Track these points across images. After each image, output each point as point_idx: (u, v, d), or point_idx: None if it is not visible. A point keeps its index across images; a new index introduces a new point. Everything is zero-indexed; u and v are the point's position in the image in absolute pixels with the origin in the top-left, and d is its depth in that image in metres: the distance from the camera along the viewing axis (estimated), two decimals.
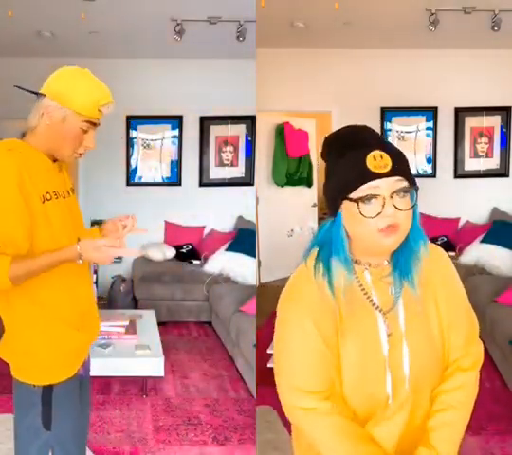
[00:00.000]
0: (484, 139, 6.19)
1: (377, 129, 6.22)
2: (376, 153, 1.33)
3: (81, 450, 2.02)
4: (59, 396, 1.85)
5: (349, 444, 1.38)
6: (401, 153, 1.37)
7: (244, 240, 5.59)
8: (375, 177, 1.31)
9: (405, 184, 1.34)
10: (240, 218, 6.16)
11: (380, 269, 1.45)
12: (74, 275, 1.89)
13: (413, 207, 1.37)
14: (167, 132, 6.34)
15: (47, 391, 1.84)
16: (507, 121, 6.12)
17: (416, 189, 1.37)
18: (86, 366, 2.00)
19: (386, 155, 1.32)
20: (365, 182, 1.31)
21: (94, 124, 1.93)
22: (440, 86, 6.10)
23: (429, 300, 1.49)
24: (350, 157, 1.36)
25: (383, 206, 1.31)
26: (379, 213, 1.31)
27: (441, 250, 1.64)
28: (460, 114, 6.16)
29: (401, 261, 1.46)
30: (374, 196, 1.31)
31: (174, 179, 6.36)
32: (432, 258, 1.55)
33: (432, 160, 6.24)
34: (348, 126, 1.56)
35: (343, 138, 1.50)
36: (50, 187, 1.89)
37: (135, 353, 3.72)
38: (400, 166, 1.34)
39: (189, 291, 5.24)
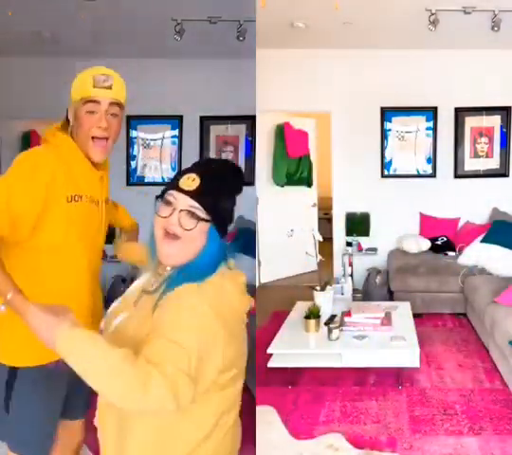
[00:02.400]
0: (484, 139, 6.18)
1: (377, 129, 6.23)
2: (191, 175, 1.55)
3: (39, 444, 1.98)
4: (22, 382, 1.87)
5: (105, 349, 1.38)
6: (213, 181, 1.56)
7: (244, 240, 5.59)
8: (178, 191, 1.53)
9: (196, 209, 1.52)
10: (240, 218, 6.15)
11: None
12: (65, 267, 1.90)
13: (208, 240, 1.54)
14: (167, 132, 6.34)
15: (12, 373, 1.87)
16: (507, 121, 6.11)
17: (216, 224, 1.55)
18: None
19: (197, 179, 1.54)
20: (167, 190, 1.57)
21: (96, 102, 1.86)
22: (440, 86, 6.09)
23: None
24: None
25: (171, 214, 1.53)
26: (166, 217, 1.53)
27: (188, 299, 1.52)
28: (460, 114, 6.16)
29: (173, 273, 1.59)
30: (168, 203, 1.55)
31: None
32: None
33: (432, 160, 6.24)
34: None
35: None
36: (83, 190, 1.91)
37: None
38: (207, 189, 1.53)
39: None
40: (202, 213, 1.53)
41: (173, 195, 1.55)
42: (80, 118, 1.88)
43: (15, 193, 1.77)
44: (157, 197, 1.59)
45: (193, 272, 1.53)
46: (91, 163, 1.96)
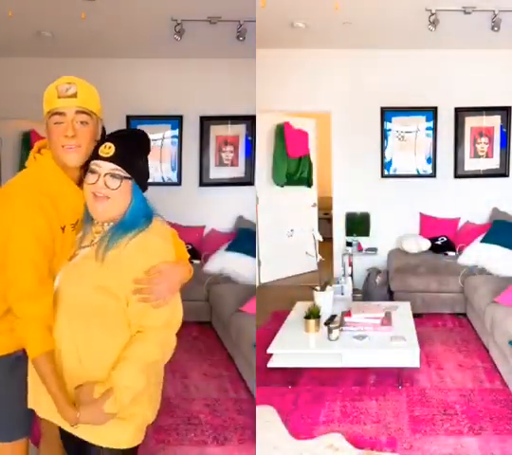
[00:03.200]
0: (484, 139, 6.18)
1: (377, 129, 6.23)
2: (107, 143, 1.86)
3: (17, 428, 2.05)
4: None
5: None
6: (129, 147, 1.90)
7: (244, 240, 5.59)
8: (99, 159, 1.84)
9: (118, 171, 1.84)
10: (240, 218, 6.16)
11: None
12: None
13: (133, 195, 1.88)
14: (167, 132, 6.34)
15: None
16: (507, 121, 6.11)
17: (137, 181, 1.89)
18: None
19: (113, 146, 1.85)
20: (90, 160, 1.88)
21: (61, 114, 1.85)
22: (440, 86, 6.09)
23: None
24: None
25: (97, 179, 1.83)
26: (93, 184, 1.83)
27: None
28: (460, 114, 6.16)
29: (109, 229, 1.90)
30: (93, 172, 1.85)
31: (175, 179, 6.36)
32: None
33: (432, 160, 6.24)
34: None
35: None
36: (69, 219, 1.96)
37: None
38: (122, 153, 1.85)
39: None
40: (123, 173, 1.85)
41: (96, 164, 1.85)
42: (49, 131, 1.88)
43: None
44: (82, 168, 1.90)
45: (128, 224, 1.85)
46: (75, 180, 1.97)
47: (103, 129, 2.01)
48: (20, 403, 2.00)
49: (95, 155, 1.87)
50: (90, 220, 1.94)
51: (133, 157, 1.90)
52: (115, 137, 1.94)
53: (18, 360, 1.97)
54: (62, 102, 1.85)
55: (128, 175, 1.86)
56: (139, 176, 1.91)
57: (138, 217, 1.88)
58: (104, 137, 1.96)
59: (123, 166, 1.85)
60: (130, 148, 1.91)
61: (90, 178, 1.85)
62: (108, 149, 1.85)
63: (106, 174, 1.84)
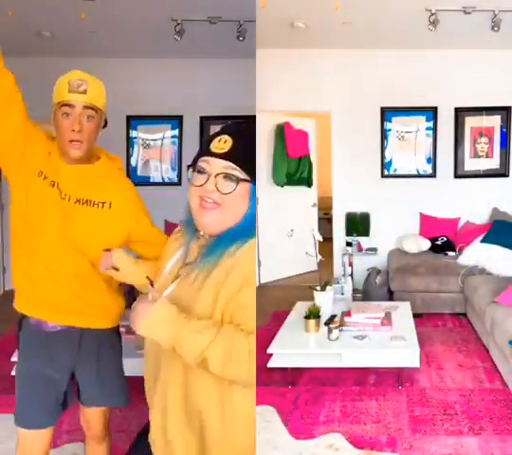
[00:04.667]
0: (484, 139, 6.18)
1: (377, 129, 6.23)
2: (223, 137, 1.51)
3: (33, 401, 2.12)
4: (23, 332, 2.13)
5: None
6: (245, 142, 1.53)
7: None
8: (210, 155, 1.49)
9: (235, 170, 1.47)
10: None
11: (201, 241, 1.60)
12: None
13: (251, 197, 1.52)
14: (167, 132, 6.34)
15: (19, 319, 2.13)
16: (507, 121, 6.11)
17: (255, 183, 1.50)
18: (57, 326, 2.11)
19: (230, 139, 1.49)
20: (199, 157, 1.52)
21: (70, 106, 1.98)
22: (440, 86, 6.09)
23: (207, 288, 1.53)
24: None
25: (207, 180, 1.49)
26: (201, 186, 1.49)
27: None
28: (460, 114, 6.16)
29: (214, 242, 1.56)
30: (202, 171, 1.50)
31: (175, 179, 6.36)
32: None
33: (432, 160, 6.24)
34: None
35: None
36: (50, 175, 2.02)
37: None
38: (241, 148, 1.50)
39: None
40: (240, 173, 1.49)
41: (207, 161, 1.50)
42: (57, 122, 2.02)
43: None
44: (189, 166, 1.54)
45: (237, 234, 1.51)
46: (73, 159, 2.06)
47: (106, 121, 2.13)
48: (50, 393, 2.10)
49: (204, 151, 1.52)
50: (193, 231, 1.62)
51: (252, 155, 1.56)
52: (232, 130, 1.56)
53: (58, 335, 2.09)
54: (72, 97, 1.97)
55: (246, 177, 1.51)
56: (254, 178, 1.55)
57: (252, 227, 1.55)
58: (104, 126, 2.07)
59: (241, 165, 1.50)
60: (249, 143, 1.56)
61: (198, 179, 1.51)
62: (223, 143, 1.50)
63: (218, 175, 1.49)
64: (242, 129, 1.60)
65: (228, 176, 1.49)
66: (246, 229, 1.53)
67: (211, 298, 1.50)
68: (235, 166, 1.49)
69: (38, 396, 2.10)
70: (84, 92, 1.98)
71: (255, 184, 1.54)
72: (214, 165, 1.49)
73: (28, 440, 2.12)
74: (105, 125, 2.11)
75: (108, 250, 1.96)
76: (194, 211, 1.53)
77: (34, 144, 2.05)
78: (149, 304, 1.46)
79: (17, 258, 2.08)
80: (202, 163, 1.51)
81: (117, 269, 1.96)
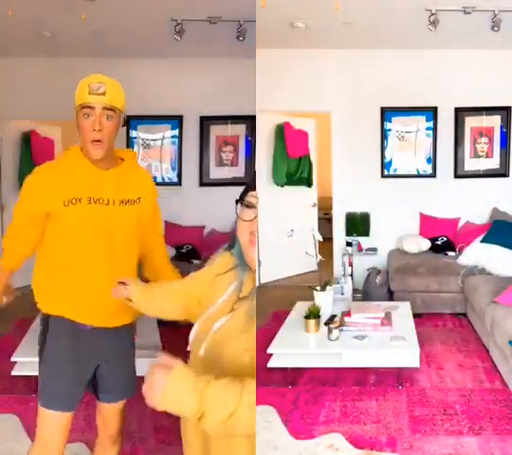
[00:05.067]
0: (484, 139, 6.18)
1: (377, 129, 6.23)
2: None
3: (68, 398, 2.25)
4: (51, 328, 2.23)
5: None
6: None
7: None
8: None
9: None
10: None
11: None
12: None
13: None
14: (167, 132, 6.34)
15: (45, 319, 2.25)
16: (507, 121, 6.11)
17: None
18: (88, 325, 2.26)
19: None
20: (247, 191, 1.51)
21: (90, 107, 2.09)
22: (440, 86, 6.09)
23: None
24: None
25: (256, 216, 1.45)
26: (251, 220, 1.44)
27: None
28: (460, 114, 6.16)
29: None
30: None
31: (175, 179, 6.36)
32: None
33: (432, 160, 6.24)
34: None
35: None
36: (83, 192, 2.15)
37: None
38: None
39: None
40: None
41: (256, 196, 1.46)
42: (80, 123, 2.13)
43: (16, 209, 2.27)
44: (238, 201, 1.49)
45: None
46: (99, 166, 2.20)
47: (125, 120, 2.23)
48: (75, 377, 2.25)
49: (253, 186, 1.49)
50: (244, 265, 1.59)
51: None
52: None
53: (88, 333, 2.24)
54: (92, 98, 2.09)
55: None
56: None
57: None
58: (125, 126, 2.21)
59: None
60: None
61: (247, 214, 1.45)
62: None
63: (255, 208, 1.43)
64: None
65: None
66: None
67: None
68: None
69: (65, 380, 2.24)
70: (103, 94, 2.09)
71: None
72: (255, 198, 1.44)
73: (51, 422, 2.23)
74: (125, 124, 2.24)
75: (122, 283, 2.02)
76: (244, 246, 1.50)
77: (48, 201, 2.17)
78: (164, 374, 1.32)
79: (53, 268, 2.24)
80: (251, 198, 1.47)
81: (130, 300, 2.00)
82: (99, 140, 2.11)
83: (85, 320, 2.24)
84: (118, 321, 2.30)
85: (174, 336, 5.05)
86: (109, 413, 2.42)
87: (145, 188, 2.31)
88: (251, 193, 1.47)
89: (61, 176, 2.16)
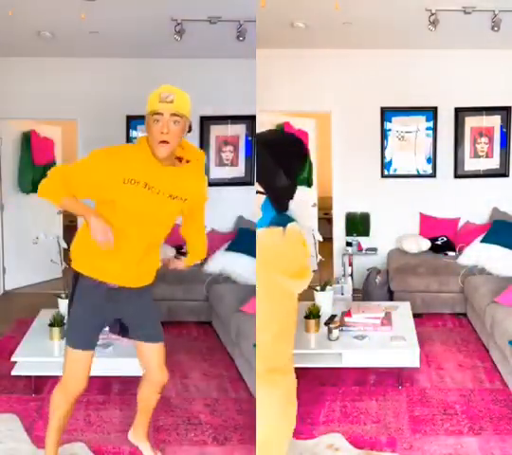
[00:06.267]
0: (484, 139, 6.18)
1: (377, 129, 6.22)
2: None
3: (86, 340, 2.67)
4: (81, 285, 2.60)
5: None
6: None
7: (244, 240, 5.59)
8: None
9: None
10: (240, 218, 6.15)
11: None
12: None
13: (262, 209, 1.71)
14: None
15: (77, 276, 2.61)
16: (507, 121, 6.11)
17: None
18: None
19: None
20: None
21: (160, 114, 2.41)
22: (440, 86, 6.09)
23: None
24: None
25: None
26: None
27: None
28: (460, 114, 6.16)
29: None
30: None
31: None
32: None
33: (432, 160, 6.24)
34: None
35: None
36: (142, 177, 2.45)
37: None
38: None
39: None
40: (257, 187, 1.68)
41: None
42: (149, 126, 2.46)
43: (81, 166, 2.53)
44: (258, 192, 1.74)
45: None
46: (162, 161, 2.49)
47: (190, 125, 2.52)
48: (97, 325, 2.69)
49: None
50: None
51: (271, 172, 1.70)
52: (258, 141, 1.76)
53: (110, 291, 2.60)
54: (161, 106, 2.41)
55: (262, 190, 1.72)
56: (274, 195, 1.72)
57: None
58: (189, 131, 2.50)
59: (258, 180, 1.72)
60: (272, 159, 1.71)
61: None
62: None
63: None
64: (267, 142, 1.79)
65: None
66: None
67: None
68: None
69: (89, 326, 2.66)
70: (172, 102, 2.40)
71: (269, 198, 1.71)
72: None
73: (77, 359, 2.64)
74: (190, 130, 2.54)
75: (178, 258, 2.44)
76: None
77: (113, 173, 2.44)
78: None
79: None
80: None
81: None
82: (165, 142, 2.41)
83: (114, 281, 2.60)
84: (142, 283, 2.68)
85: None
86: (147, 352, 2.78)
87: (195, 191, 2.65)
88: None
89: (129, 158, 2.46)
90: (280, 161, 1.65)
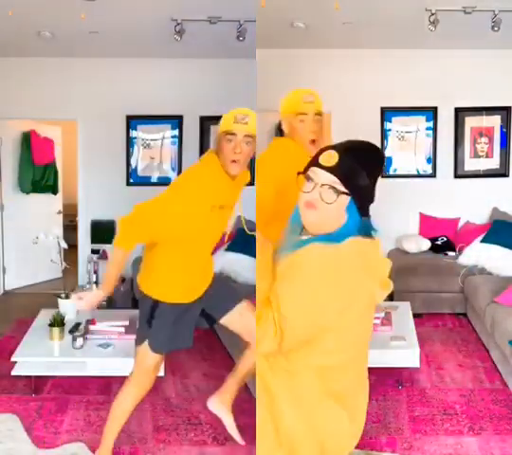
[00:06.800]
0: (484, 139, 6.18)
1: (377, 129, 6.22)
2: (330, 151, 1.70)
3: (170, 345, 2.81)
4: (160, 311, 2.68)
5: None
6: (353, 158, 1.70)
7: (243, 240, 5.58)
8: (318, 167, 1.70)
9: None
10: (239, 218, 6.14)
11: None
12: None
13: (348, 214, 1.70)
14: (167, 132, 6.34)
15: (155, 304, 2.69)
16: (507, 121, 6.11)
17: (355, 199, 1.70)
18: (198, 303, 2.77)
19: (336, 155, 1.68)
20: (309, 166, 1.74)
21: (233, 134, 2.50)
22: (440, 86, 6.09)
23: None
24: None
25: (313, 188, 1.70)
26: (308, 192, 1.71)
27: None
28: (460, 114, 6.16)
29: None
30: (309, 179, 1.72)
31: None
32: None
33: (432, 160, 6.24)
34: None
35: None
36: (222, 199, 2.56)
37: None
38: (345, 165, 1.68)
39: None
40: (341, 187, 1.67)
41: (314, 171, 1.70)
42: (222, 145, 2.52)
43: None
44: (299, 173, 1.74)
45: (325, 239, 1.70)
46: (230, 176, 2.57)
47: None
48: (182, 328, 2.79)
49: (313, 162, 1.73)
50: (297, 230, 1.81)
51: (358, 172, 1.69)
52: (341, 147, 1.74)
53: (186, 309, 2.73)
54: (236, 127, 2.51)
55: (346, 191, 1.68)
56: (359, 195, 1.70)
57: (343, 238, 1.71)
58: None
59: (343, 180, 1.68)
60: (355, 161, 1.70)
61: (306, 186, 1.72)
62: (330, 158, 1.70)
63: (323, 185, 1.68)
64: (352, 147, 1.75)
65: (331, 188, 1.67)
66: (336, 238, 1.70)
67: None
68: (337, 180, 1.67)
69: (173, 333, 2.75)
70: (246, 124, 2.51)
71: (356, 202, 1.70)
72: (320, 176, 1.69)
73: (156, 361, 2.80)
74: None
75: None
76: (301, 211, 1.74)
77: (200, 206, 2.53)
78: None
79: (171, 261, 2.65)
80: (310, 173, 1.72)
81: None
82: (237, 161, 2.51)
83: (193, 298, 2.73)
84: (204, 288, 2.80)
85: None
86: (235, 321, 2.89)
87: (237, 197, 2.72)
88: (312, 169, 1.71)
89: (211, 184, 2.51)
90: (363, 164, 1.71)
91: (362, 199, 1.71)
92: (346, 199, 1.68)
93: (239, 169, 2.55)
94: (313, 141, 2.63)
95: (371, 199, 1.75)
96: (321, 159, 1.70)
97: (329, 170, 1.67)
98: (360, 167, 1.68)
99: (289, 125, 2.67)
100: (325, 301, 1.68)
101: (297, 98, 2.67)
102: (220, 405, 2.90)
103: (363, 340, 1.89)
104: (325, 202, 1.67)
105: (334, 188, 1.67)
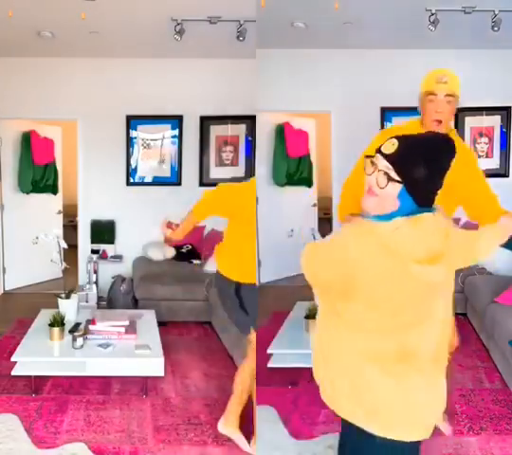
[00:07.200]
0: (484, 139, 6.18)
1: (377, 129, 6.21)
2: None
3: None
4: (244, 292, 3.00)
5: None
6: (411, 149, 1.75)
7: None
8: (380, 153, 1.77)
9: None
10: None
11: None
12: None
13: (400, 201, 1.75)
14: (167, 132, 6.34)
15: (238, 286, 3.02)
16: (507, 121, 6.11)
17: (407, 187, 1.73)
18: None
19: (397, 144, 1.74)
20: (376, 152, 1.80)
21: (434, 94, 2.64)
22: None
23: None
24: None
25: (373, 172, 1.77)
26: (369, 175, 1.78)
27: None
28: (460, 114, 6.15)
29: None
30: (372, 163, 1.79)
31: (175, 179, 6.36)
32: None
33: None
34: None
35: None
36: None
37: (135, 352, 3.73)
38: (402, 154, 1.73)
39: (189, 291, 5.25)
40: (393, 174, 1.72)
41: (377, 157, 1.78)
42: (425, 105, 2.65)
43: None
44: (367, 156, 1.83)
45: (372, 218, 1.78)
46: None
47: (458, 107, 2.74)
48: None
49: (378, 148, 1.80)
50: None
51: (413, 162, 1.73)
52: (405, 137, 1.79)
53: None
54: (437, 87, 2.64)
55: (398, 179, 1.73)
56: (412, 184, 1.73)
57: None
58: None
59: (397, 168, 1.73)
60: (415, 152, 1.74)
61: (368, 169, 1.80)
62: (390, 145, 1.76)
63: (380, 171, 1.75)
64: (416, 138, 1.83)
65: (385, 174, 1.73)
66: (383, 217, 1.77)
67: None
68: (391, 167, 1.73)
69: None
70: (446, 83, 2.63)
71: (409, 191, 1.74)
72: (380, 162, 1.76)
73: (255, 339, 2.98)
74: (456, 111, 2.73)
75: None
76: (364, 194, 1.81)
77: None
78: None
79: (236, 244, 3.12)
80: (374, 158, 1.80)
81: None
82: (439, 120, 2.59)
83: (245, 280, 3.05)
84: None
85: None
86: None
87: None
88: (376, 154, 1.79)
89: None
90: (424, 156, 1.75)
91: (416, 189, 1.74)
92: (398, 186, 1.73)
93: (442, 129, 2.58)
94: (439, 122, 2.64)
95: (430, 190, 1.78)
96: (383, 146, 1.77)
97: (386, 157, 1.74)
98: (418, 158, 1.73)
99: (421, 104, 2.71)
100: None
101: (432, 77, 2.71)
102: (228, 428, 3.06)
103: (398, 307, 1.86)
104: (379, 187, 1.74)
105: (387, 174, 1.73)
